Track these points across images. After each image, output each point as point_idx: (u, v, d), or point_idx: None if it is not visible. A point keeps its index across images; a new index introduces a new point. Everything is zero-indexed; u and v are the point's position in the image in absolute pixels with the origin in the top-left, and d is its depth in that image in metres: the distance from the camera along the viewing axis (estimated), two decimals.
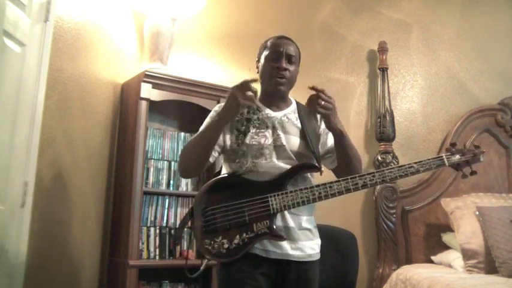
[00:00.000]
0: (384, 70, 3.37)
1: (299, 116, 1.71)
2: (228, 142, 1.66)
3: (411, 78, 3.61)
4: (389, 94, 3.34)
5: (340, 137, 1.61)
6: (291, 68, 1.68)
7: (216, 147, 1.65)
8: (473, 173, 1.65)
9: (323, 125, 1.74)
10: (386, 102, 3.31)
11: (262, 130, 1.64)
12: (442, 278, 2.49)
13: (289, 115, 1.70)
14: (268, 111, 1.69)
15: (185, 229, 2.53)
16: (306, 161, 1.64)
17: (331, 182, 1.56)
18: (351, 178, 1.56)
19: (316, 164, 1.63)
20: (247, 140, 1.63)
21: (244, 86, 1.49)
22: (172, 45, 2.69)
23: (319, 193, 1.54)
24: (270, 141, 1.63)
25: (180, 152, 1.73)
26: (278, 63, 1.66)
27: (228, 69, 3.07)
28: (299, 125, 1.69)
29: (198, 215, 1.58)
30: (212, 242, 1.54)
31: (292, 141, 1.64)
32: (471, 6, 3.79)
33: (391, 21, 3.61)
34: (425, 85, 3.62)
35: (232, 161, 1.65)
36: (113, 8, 2.64)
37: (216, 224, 1.55)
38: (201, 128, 1.68)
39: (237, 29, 3.13)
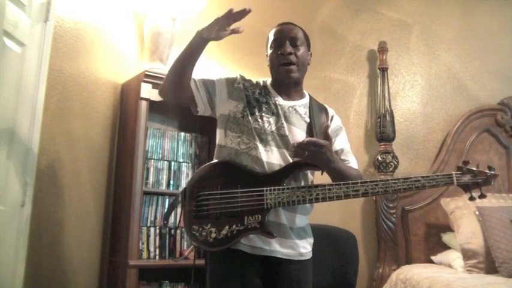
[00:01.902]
0: (384, 70, 3.37)
1: (309, 111, 1.66)
2: (234, 109, 1.61)
3: (411, 78, 3.61)
4: (389, 94, 3.34)
5: (331, 172, 1.54)
6: (298, 51, 1.63)
7: (205, 100, 1.61)
8: (482, 196, 1.56)
9: (333, 125, 1.70)
10: (386, 102, 3.31)
11: (268, 115, 1.60)
12: (442, 278, 2.49)
13: (298, 108, 1.65)
14: (278, 98, 1.64)
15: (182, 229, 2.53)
16: None
17: (331, 184, 1.51)
18: (352, 183, 1.49)
19: None
20: (252, 122, 1.58)
21: (229, 17, 1.48)
22: (172, 45, 2.69)
23: (317, 194, 1.49)
24: (273, 128, 1.59)
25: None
26: (281, 49, 1.61)
27: (228, 69, 3.07)
28: (307, 119, 1.64)
29: (190, 198, 1.53)
30: (200, 229, 1.49)
31: (297, 133, 1.60)
32: (471, 6, 3.79)
33: (391, 21, 3.61)
34: (425, 85, 3.62)
35: (233, 131, 1.59)
36: (112, 8, 2.64)
37: (207, 210, 1.50)
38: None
39: None
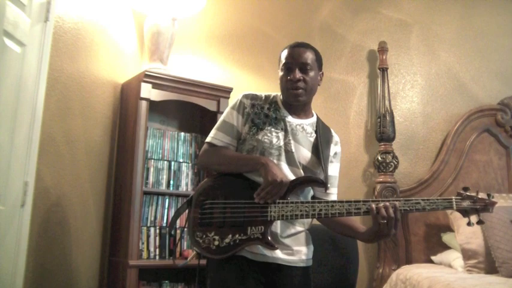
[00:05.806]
0: (384, 70, 3.37)
1: (317, 130, 1.69)
2: (243, 131, 1.65)
3: (411, 78, 3.61)
4: (389, 94, 3.34)
5: (371, 239, 1.66)
6: (307, 76, 1.63)
7: (234, 141, 1.66)
8: (480, 222, 1.58)
9: (337, 149, 1.74)
10: (386, 102, 3.31)
11: (277, 130, 1.62)
12: (442, 278, 2.49)
13: (306, 126, 1.68)
14: (287, 115, 1.67)
15: (184, 229, 2.53)
16: (311, 174, 1.62)
17: (334, 201, 1.55)
18: (354, 201, 1.55)
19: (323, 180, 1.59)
20: (260, 136, 1.60)
21: (281, 190, 1.50)
22: (172, 45, 2.69)
23: (320, 210, 1.52)
24: (281, 143, 1.61)
25: (209, 154, 1.68)
26: (291, 75, 1.62)
27: (228, 69, 3.07)
28: (313, 139, 1.67)
29: (196, 205, 1.56)
30: (204, 236, 1.52)
31: (302, 151, 1.62)
32: (471, 6, 3.80)
33: (391, 21, 3.61)
34: (425, 85, 3.62)
35: (240, 150, 1.64)
36: (113, 8, 2.64)
37: (212, 218, 1.53)
38: (237, 157, 1.63)
39: (236, 29, 3.13)
